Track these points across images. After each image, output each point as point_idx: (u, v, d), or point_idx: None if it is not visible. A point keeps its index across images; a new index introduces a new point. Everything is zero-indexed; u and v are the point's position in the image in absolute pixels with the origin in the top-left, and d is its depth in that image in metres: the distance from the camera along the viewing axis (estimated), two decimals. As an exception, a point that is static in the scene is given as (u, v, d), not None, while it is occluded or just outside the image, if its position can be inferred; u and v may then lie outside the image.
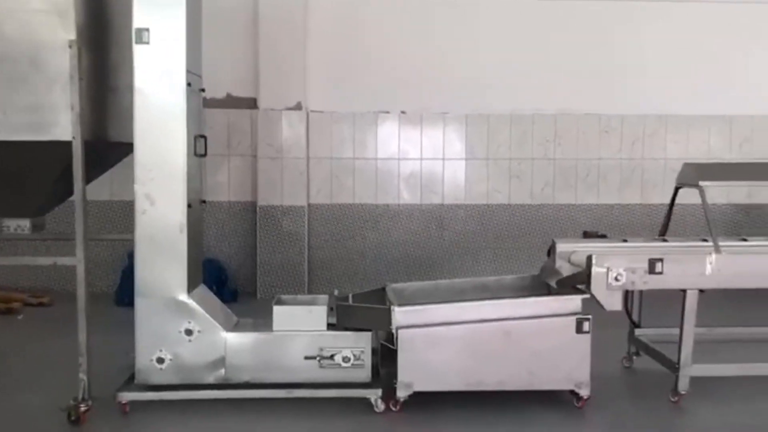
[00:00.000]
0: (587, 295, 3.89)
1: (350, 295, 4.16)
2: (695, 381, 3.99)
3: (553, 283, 4.15)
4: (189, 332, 3.81)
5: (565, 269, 4.19)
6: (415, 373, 3.78)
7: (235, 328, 3.98)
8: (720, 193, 6.85)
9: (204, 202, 4.26)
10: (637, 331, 4.55)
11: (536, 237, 6.75)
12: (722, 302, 5.13)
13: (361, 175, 6.79)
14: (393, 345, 3.80)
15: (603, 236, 4.57)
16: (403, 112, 6.81)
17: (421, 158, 6.86)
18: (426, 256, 6.88)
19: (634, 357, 4.64)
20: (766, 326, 4.67)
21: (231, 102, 6.69)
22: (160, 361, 3.79)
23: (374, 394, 3.82)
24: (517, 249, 6.90)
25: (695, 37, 6.92)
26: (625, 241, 4.43)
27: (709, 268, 3.86)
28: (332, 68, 6.73)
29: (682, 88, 6.92)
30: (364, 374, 3.86)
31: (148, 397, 3.80)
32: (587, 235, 4.61)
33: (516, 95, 6.87)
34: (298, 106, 6.57)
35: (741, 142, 7.05)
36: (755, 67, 6.96)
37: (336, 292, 4.18)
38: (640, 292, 4.47)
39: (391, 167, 6.83)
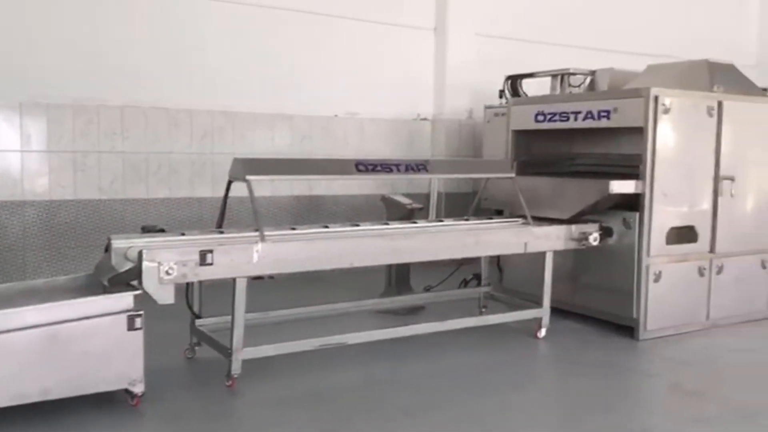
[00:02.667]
0: (139, 291, 3.85)
1: None
2: (249, 363, 4.25)
3: (105, 282, 4.01)
4: None
5: (122, 266, 4.09)
6: (-65, 396, 3.29)
7: None
8: (285, 186, 7.45)
9: None
10: (198, 322, 4.66)
11: (106, 233, 6.38)
12: (283, 287, 5.60)
13: None
14: None
15: (161, 230, 4.58)
16: (-64, 96, 5.88)
17: (-36, 149, 6.02)
18: (-26, 260, 6.07)
19: (197, 347, 4.76)
20: (312, 306, 5.18)
21: None
22: None
23: None
24: (85, 247, 6.51)
25: (260, 39, 7.37)
26: (183, 234, 4.51)
27: (255, 256, 4.13)
28: None
29: (248, 86, 7.31)
30: None
31: None
32: (146, 230, 4.57)
33: (79, 85, 6.47)
34: None
35: (302, 139, 7.72)
36: (313, 71, 7.70)
37: None
38: (200, 283, 4.59)
39: None
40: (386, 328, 4.92)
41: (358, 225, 5.15)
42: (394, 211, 6.20)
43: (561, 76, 6.98)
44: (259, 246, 4.15)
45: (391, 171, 4.89)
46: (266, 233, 4.29)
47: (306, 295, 5.68)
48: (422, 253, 4.83)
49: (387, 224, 5.29)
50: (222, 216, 4.75)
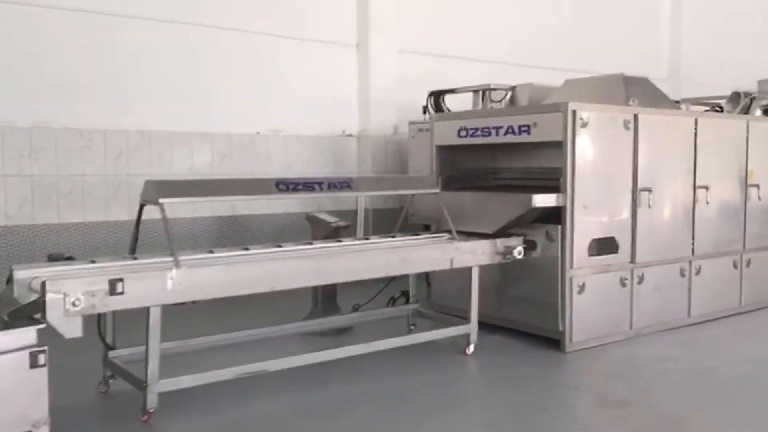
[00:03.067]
0: (43, 325, 3.60)
1: None
2: (166, 396, 4.03)
3: (5, 316, 3.73)
4: None
5: (26, 298, 3.82)
6: None
7: None
8: (206, 206, 7.21)
9: None
10: (111, 353, 4.41)
11: (13, 263, 6.06)
12: (204, 312, 5.38)
13: None
14: None
15: (70, 258, 4.32)
16: None
17: None
18: None
19: (111, 380, 4.50)
20: (234, 332, 4.99)
21: None
22: None
23: None
24: (-10, 277, 6.12)
25: (177, 55, 7.15)
26: (93, 262, 4.26)
27: (170, 284, 3.93)
28: None
29: (165, 104, 7.07)
30: None
31: None
32: (52, 258, 4.30)
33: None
34: None
35: (222, 158, 7.51)
36: (233, 88, 7.52)
37: None
38: (113, 313, 4.34)
39: None
40: (311, 351, 4.78)
41: (280, 246, 5.00)
42: (319, 230, 6.07)
43: (482, 92, 7.04)
44: (174, 272, 3.95)
45: (313, 189, 4.77)
46: (182, 258, 4.10)
47: (228, 320, 5.48)
48: (346, 274, 4.71)
49: (311, 244, 5.17)
50: (135, 241, 4.53)
